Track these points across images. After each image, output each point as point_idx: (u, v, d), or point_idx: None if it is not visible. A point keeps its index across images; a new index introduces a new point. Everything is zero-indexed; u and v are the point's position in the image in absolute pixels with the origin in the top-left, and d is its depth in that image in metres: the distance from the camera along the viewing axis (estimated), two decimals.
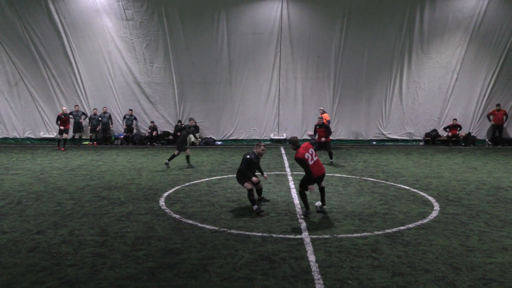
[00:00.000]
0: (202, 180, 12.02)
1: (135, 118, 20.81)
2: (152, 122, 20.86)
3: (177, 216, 8.33)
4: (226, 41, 20.09)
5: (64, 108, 19.85)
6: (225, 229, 7.51)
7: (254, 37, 20.13)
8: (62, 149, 18.78)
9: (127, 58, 20.40)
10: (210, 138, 21.19)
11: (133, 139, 20.81)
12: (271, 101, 20.92)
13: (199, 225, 7.79)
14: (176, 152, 13.98)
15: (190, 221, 7.99)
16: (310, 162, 8.01)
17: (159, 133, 20.95)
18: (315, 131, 15.32)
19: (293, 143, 8.30)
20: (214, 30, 19.98)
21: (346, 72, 20.35)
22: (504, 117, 20.11)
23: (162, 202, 9.48)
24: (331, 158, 15.05)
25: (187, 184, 11.45)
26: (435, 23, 19.64)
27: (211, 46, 20.15)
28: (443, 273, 5.63)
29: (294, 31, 20.01)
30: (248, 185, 8.67)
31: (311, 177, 7.93)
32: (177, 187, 11.01)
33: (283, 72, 20.55)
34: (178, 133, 15.87)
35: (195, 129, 20.63)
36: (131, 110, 20.70)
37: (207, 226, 7.70)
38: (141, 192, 10.50)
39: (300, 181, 8.44)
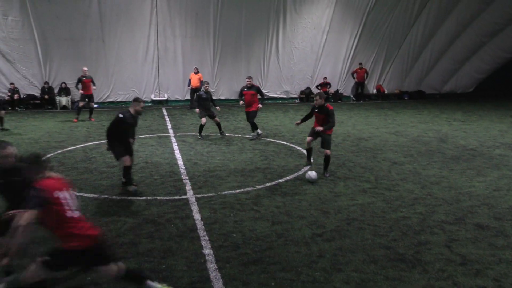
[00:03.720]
0: (78, 146, 11.19)
1: None
2: (12, 84, 18.37)
3: None
4: None
5: (84, 68, 15.72)
6: (106, 196, 7.20)
7: None
8: (75, 120, 15.18)
9: None
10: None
11: None
12: (150, 60, 19.98)
13: (76, 194, 7.31)
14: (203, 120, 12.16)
15: None
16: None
17: (22, 96, 18.62)
18: (241, 95, 12.43)
19: (323, 97, 8.57)
20: None
21: (225, 30, 20.29)
22: (365, 74, 22.42)
23: None
24: (253, 131, 12.40)
25: (60, 151, 10.55)
26: None
27: None
28: (315, 218, 6.27)
29: None
30: (127, 160, 7.31)
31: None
32: (49, 155, 10.06)
33: (160, 30, 19.64)
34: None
35: (65, 91, 18.90)
36: None
37: (86, 194, 7.28)
38: None
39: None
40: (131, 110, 7.40)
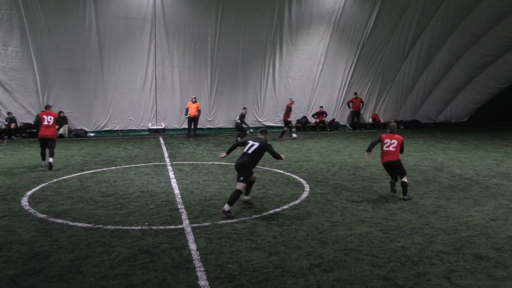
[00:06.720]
0: (73, 175, 11.13)
1: None
2: (9, 113, 18.46)
3: (44, 216, 7.59)
4: (95, 25, 18.64)
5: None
6: (101, 226, 7.10)
7: (126, 22, 19.07)
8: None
9: None
10: (81, 129, 19.64)
11: None
12: (148, 89, 20.19)
13: (70, 223, 7.22)
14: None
15: (60, 220, 7.35)
16: (385, 148, 9.02)
17: (19, 125, 18.66)
18: (38, 123, 11.99)
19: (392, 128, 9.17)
20: (80, 12, 18.33)
21: (222, 61, 20.62)
22: (361, 104, 22.68)
23: (24, 202, 8.53)
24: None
25: (55, 180, 10.48)
26: (302, 17, 21.01)
27: (78, 29, 18.51)
28: (313, 248, 6.19)
29: (168, 18, 19.50)
30: (242, 185, 7.71)
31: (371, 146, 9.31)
32: (43, 184, 10.01)
33: (159, 60, 19.95)
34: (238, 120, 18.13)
35: (63, 120, 18.96)
36: None
37: (80, 224, 7.18)
38: None
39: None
40: (263, 137, 8.21)
